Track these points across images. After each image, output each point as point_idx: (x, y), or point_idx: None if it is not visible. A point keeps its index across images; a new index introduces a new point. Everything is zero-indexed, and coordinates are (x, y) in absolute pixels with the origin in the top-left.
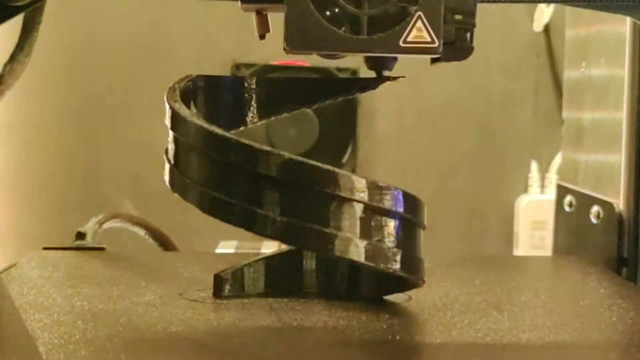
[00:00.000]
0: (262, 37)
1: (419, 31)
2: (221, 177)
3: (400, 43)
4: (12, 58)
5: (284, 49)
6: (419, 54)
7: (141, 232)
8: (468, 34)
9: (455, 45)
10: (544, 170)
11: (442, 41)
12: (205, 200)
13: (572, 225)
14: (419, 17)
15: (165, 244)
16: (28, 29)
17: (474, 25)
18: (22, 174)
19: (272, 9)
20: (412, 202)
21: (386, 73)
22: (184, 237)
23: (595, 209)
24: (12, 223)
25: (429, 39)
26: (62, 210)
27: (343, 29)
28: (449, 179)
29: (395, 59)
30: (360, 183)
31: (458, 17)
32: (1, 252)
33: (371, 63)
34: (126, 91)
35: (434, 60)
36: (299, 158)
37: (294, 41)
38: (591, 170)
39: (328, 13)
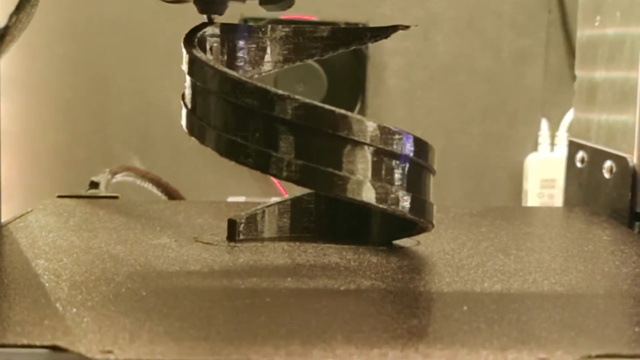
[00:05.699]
0: None
1: None
2: (238, 121)
3: None
4: (19, 8)
5: None
6: None
7: (151, 187)
8: None
9: None
10: (554, 129)
11: None
12: (222, 144)
13: (583, 181)
14: None
15: (175, 199)
16: None
17: None
18: (28, 128)
19: None
20: (422, 147)
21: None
22: (191, 193)
23: (608, 164)
24: (17, 177)
25: None
26: (68, 165)
27: None
28: (458, 137)
29: (224, 3)
30: (372, 127)
31: None
32: (7, 205)
33: (200, 7)
34: (133, 45)
35: (261, 2)
36: (314, 102)
37: None
38: (604, 127)
39: None
